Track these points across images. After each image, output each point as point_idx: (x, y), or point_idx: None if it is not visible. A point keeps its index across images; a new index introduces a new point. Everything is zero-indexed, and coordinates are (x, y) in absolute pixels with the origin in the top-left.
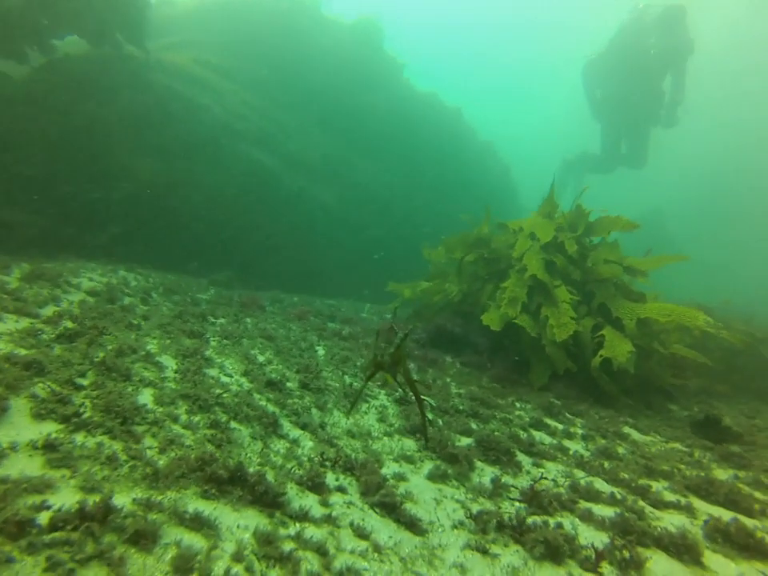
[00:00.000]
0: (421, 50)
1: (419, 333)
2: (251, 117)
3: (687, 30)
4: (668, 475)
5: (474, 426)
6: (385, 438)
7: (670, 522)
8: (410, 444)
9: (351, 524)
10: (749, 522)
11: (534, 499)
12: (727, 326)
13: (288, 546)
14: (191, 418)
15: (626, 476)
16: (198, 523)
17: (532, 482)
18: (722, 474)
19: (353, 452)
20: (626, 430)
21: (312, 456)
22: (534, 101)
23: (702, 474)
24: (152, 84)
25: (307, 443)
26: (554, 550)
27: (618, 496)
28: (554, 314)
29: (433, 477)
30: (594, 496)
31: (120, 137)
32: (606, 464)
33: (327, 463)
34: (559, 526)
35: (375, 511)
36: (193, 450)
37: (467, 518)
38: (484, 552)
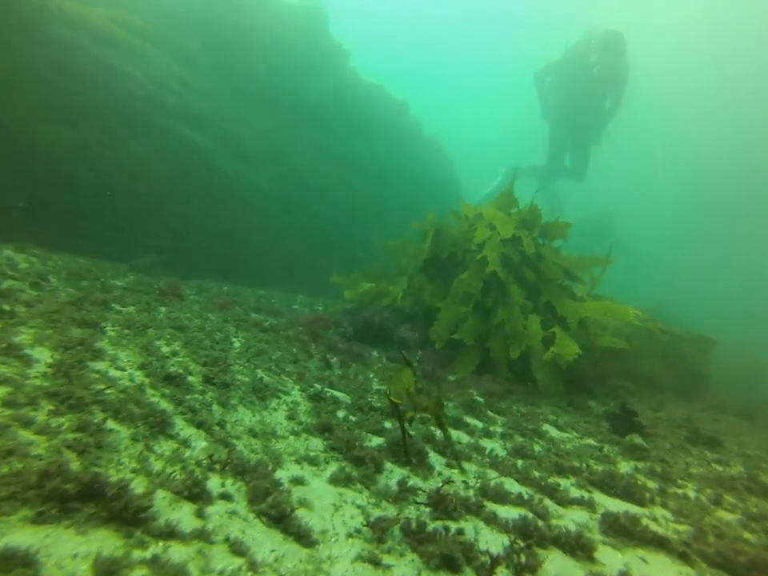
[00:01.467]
0: (370, 38)
1: (345, 326)
2: (182, 92)
3: (625, 56)
4: (577, 471)
5: (388, 425)
6: (291, 437)
7: (571, 518)
8: (316, 443)
9: (227, 538)
10: (639, 510)
11: (440, 503)
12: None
13: (138, 574)
14: (52, 420)
15: (538, 474)
16: (10, 562)
17: (439, 485)
18: (624, 466)
19: (252, 453)
20: (546, 427)
21: (201, 459)
22: (487, 94)
23: (606, 469)
24: (57, 39)
25: (200, 444)
26: (451, 559)
27: (526, 496)
28: (508, 316)
29: (335, 480)
30: (502, 497)
31: (14, 98)
32: (520, 463)
33: (216, 466)
34: (460, 531)
35: (261, 521)
36: (42, 459)
37: (364, 525)
38: (376, 563)
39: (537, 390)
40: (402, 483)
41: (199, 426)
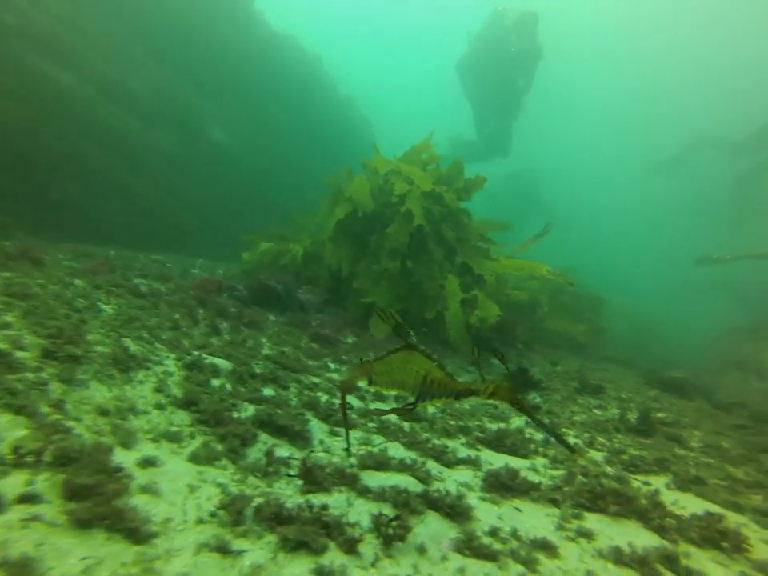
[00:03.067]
0: None
1: (240, 290)
2: (42, 20)
3: (537, 36)
4: (468, 431)
5: (268, 392)
6: (154, 411)
7: (455, 479)
8: (182, 417)
9: (20, 552)
10: (522, 463)
11: (309, 475)
12: None
13: None
14: None
15: (427, 437)
16: None
17: (305, 456)
18: (516, 421)
19: (94, 435)
20: None
21: (4, 453)
22: (413, 51)
23: (498, 427)
24: None
25: (16, 433)
26: (313, 537)
27: (409, 461)
28: (428, 275)
29: (197, 457)
30: (383, 464)
31: None
32: (408, 426)
33: (29, 458)
34: (325, 506)
35: (76, 523)
36: None
37: (219, 508)
38: (225, 552)
39: (445, 351)
40: (272, 455)
41: (19, 411)
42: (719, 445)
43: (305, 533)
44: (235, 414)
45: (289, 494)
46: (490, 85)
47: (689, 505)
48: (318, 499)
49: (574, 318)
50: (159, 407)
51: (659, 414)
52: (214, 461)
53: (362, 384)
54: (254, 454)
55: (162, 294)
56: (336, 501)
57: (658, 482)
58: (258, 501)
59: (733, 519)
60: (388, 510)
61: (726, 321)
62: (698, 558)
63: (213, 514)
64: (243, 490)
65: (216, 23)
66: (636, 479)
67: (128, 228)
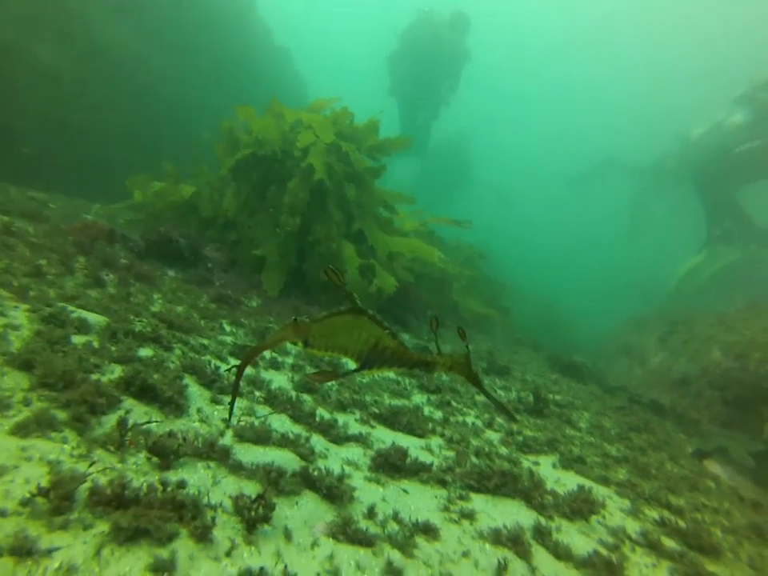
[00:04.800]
0: None
1: (135, 240)
2: None
3: (466, 39)
4: (363, 406)
5: (144, 352)
6: None
7: (342, 456)
8: (17, 380)
9: None
10: (418, 442)
11: (161, 450)
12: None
13: None
14: None
15: (318, 411)
16: None
17: (147, 421)
18: (417, 398)
19: None
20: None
21: None
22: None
23: (396, 403)
24: None
25: None
26: (158, 523)
27: (291, 436)
28: (326, 235)
29: (24, 429)
30: (263, 438)
31: None
32: (305, 397)
33: None
34: (182, 484)
35: None
36: None
37: (37, 494)
38: (27, 553)
39: None
40: (123, 424)
41: None
42: (602, 425)
43: (148, 518)
44: (94, 377)
45: (144, 470)
46: (416, 83)
47: (569, 482)
48: (177, 476)
49: (485, 300)
50: None
51: (557, 397)
52: (48, 432)
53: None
54: (106, 423)
55: (26, 234)
56: (199, 478)
57: (547, 461)
58: (98, 480)
59: (601, 492)
60: (257, 490)
61: (630, 314)
62: (567, 530)
63: (25, 502)
64: (81, 468)
65: None
66: (527, 459)
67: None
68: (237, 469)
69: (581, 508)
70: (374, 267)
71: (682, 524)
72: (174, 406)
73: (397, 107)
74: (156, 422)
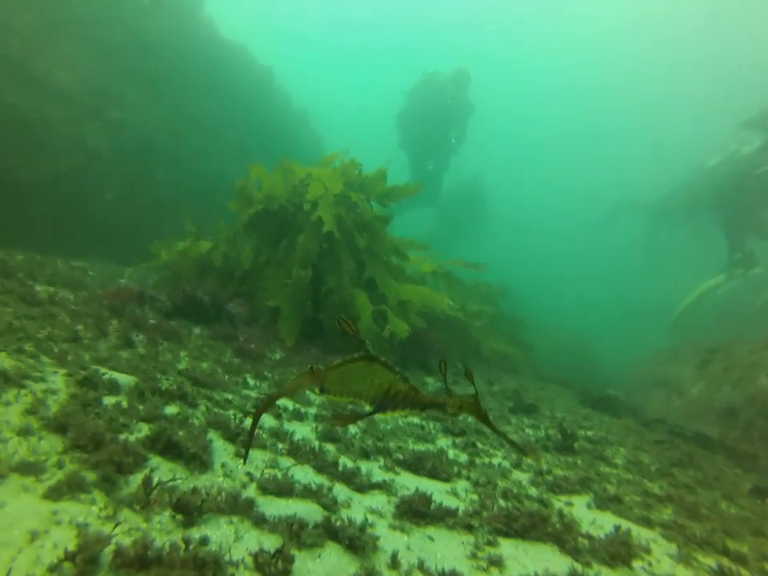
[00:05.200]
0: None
1: (163, 300)
2: None
3: (469, 91)
4: (387, 452)
5: (170, 410)
6: (16, 438)
7: (367, 505)
8: (52, 444)
9: None
10: (443, 486)
11: (185, 506)
12: None
13: None
14: None
15: (341, 460)
16: None
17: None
18: (442, 442)
19: None
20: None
21: None
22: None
23: (420, 448)
24: None
25: None
26: None
27: (314, 486)
28: (338, 284)
29: (56, 492)
30: (286, 490)
31: None
32: (328, 447)
33: None
34: (204, 541)
35: None
36: None
37: (65, 559)
38: None
39: None
40: (148, 484)
41: None
42: (640, 460)
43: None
44: (122, 436)
45: (168, 528)
46: (424, 136)
47: (605, 524)
48: (200, 533)
49: (506, 338)
50: (24, 432)
51: (589, 432)
52: (79, 494)
53: (309, 392)
54: (137, 482)
55: (67, 302)
56: (221, 534)
57: (580, 501)
58: (122, 541)
59: (643, 535)
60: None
61: (658, 344)
62: None
63: (53, 568)
64: (106, 530)
65: (163, 21)
66: (559, 500)
67: (51, 230)
68: (259, 522)
69: (620, 552)
70: (387, 313)
71: (746, 574)
72: (199, 461)
73: (407, 160)
74: (181, 479)
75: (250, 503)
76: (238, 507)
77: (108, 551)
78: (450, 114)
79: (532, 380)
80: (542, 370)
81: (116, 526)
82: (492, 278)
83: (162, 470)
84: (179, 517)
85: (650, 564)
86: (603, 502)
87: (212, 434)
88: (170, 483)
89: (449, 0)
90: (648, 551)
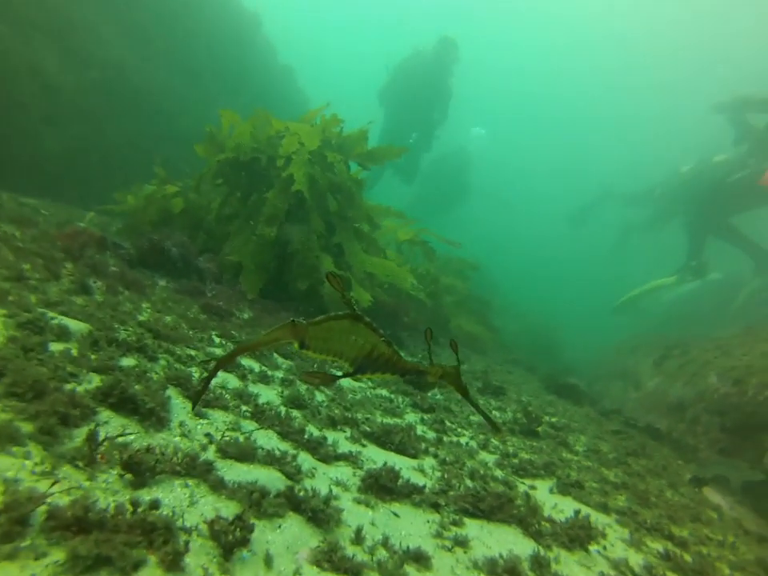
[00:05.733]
0: None
1: (126, 248)
2: None
3: (453, 68)
4: (354, 423)
5: (127, 362)
6: None
7: (330, 476)
8: None
9: None
10: (410, 462)
11: (134, 466)
12: None
13: None
14: None
15: (308, 428)
16: None
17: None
18: (411, 417)
19: None
20: (338, 373)
21: None
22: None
23: (389, 421)
24: None
25: None
26: (122, 549)
27: (278, 453)
28: (305, 246)
29: None
30: (247, 454)
31: None
32: (296, 413)
33: None
34: (155, 505)
35: None
36: None
37: None
38: None
39: None
40: (93, 438)
41: None
42: (599, 449)
43: (112, 544)
44: (69, 386)
45: (115, 488)
46: (407, 116)
47: (566, 508)
48: (151, 495)
49: (476, 318)
50: None
51: (552, 419)
52: (9, 446)
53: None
54: (83, 437)
55: (11, 239)
56: (175, 498)
57: (543, 485)
58: (59, 501)
59: (600, 520)
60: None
61: (622, 333)
62: (566, 561)
63: None
64: (41, 488)
65: None
66: (524, 483)
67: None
68: (217, 487)
69: (579, 536)
70: (350, 281)
71: (687, 558)
72: (155, 419)
73: (388, 135)
74: (132, 434)
75: (209, 466)
76: (195, 470)
77: (41, 511)
78: (434, 88)
79: (500, 362)
80: (509, 353)
81: (53, 483)
82: (468, 254)
83: (114, 425)
84: (128, 476)
85: (605, 548)
86: (565, 487)
87: (171, 391)
88: (120, 438)
89: None
90: (604, 536)
